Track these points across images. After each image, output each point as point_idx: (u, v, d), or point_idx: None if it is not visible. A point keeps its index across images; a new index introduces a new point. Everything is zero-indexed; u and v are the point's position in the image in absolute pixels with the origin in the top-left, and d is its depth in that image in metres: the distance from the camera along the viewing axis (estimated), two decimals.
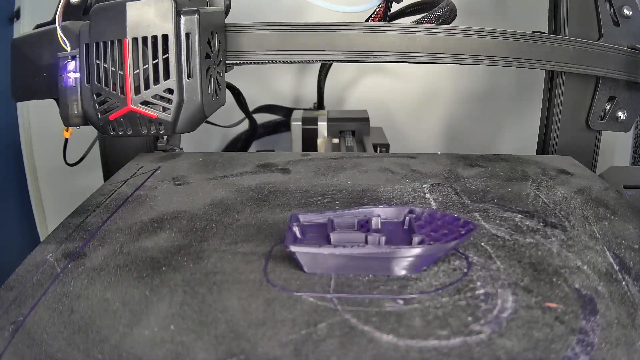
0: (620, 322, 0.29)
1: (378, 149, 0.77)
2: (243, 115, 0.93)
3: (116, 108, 0.48)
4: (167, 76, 0.47)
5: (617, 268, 0.34)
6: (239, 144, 1.00)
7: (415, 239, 0.33)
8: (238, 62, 0.57)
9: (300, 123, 0.81)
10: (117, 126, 0.49)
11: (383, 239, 0.33)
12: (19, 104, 0.95)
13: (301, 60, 0.57)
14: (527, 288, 0.31)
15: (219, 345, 0.27)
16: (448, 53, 0.56)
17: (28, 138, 0.98)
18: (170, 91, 0.47)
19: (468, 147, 1.04)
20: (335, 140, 0.80)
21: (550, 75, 0.64)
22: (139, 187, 0.49)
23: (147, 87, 0.47)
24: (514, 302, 0.30)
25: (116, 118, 0.48)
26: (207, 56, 0.50)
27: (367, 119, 0.82)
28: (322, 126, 0.80)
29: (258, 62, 0.57)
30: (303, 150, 0.81)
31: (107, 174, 0.65)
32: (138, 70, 0.47)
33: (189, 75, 0.48)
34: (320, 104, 0.94)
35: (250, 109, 0.94)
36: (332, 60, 0.59)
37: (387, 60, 0.57)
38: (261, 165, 0.55)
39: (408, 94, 1.02)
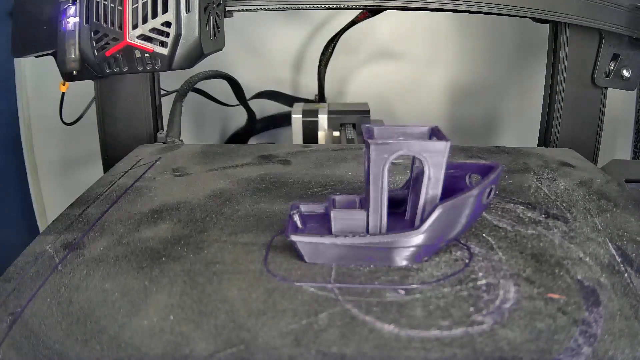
0: (623, 314, 0.28)
1: None
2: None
3: (113, 43, 0.49)
4: (165, 9, 0.48)
5: (619, 260, 0.34)
6: (239, 139, 0.99)
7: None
8: (238, 8, 0.57)
9: (301, 115, 0.80)
10: (114, 63, 0.50)
11: (385, 223, 0.32)
12: (19, 97, 0.95)
13: (301, 7, 0.57)
14: (529, 279, 0.31)
15: (218, 336, 0.27)
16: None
17: (28, 131, 0.98)
18: (168, 24, 0.48)
19: (469, 140, 1.04)
20: (336, 133, 0.80)
21: (555, 30, 0.64)
22: (139, 178, 0.49)
23: (144, 21, 0.48)
24: (516, 293, 0.30)
25: (113, 54, 0.49)
26: None
27: (368, 112, 0.81)
28: (323, 119, 0.80)
29: (257, 9, 0.58)
30: (303, 143, 0.80)
31: (107, 166, 0.65)
32: (137, 5, 0.47)
33: (187, 10, 0.48)
34: (321, 97, 0.93)
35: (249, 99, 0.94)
36: (335, 6, 0.59)
37: (390, 6, 0.57)
38: (261, 156, 0.55)
39: (409, 86, 1.01)
